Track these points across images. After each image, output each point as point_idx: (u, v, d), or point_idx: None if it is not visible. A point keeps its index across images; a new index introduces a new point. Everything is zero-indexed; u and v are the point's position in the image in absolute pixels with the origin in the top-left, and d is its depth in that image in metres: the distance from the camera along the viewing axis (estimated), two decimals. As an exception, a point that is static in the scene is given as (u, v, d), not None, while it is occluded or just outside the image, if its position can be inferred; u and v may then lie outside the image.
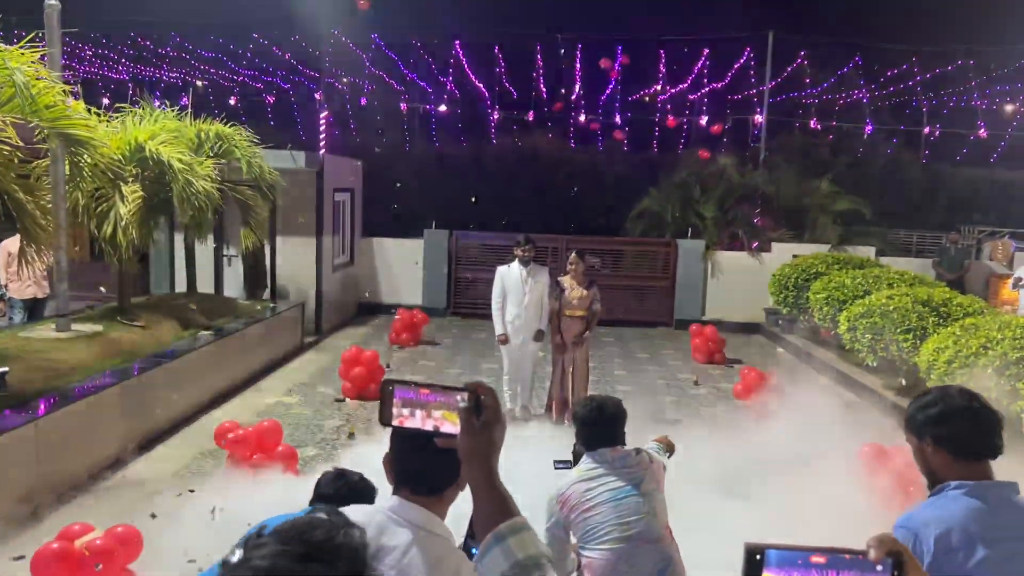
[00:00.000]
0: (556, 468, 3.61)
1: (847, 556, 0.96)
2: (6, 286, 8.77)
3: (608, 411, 3.27)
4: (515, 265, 7.77)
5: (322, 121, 15.32)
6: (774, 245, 14.47)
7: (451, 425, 1.31)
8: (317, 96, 20.57)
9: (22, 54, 5.53)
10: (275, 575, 0.87)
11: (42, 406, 5.42)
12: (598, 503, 3.09)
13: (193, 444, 6.74)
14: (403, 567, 1.62)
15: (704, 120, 22.05)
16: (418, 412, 1.33)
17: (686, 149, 20.61)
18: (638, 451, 3.27)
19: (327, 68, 21.59)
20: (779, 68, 19.91)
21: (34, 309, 8.84)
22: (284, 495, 4.76)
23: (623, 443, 3.29)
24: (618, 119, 23.00)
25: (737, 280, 13.93)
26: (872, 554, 0.98)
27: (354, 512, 1.73)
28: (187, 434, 7.09)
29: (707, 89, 22.64)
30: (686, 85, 22.88)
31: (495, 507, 1.25)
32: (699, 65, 22.23)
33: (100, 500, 5.13)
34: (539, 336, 7.79)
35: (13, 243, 8.40)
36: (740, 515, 5.11)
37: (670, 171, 17.19)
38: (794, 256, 13.11)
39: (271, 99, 23.33)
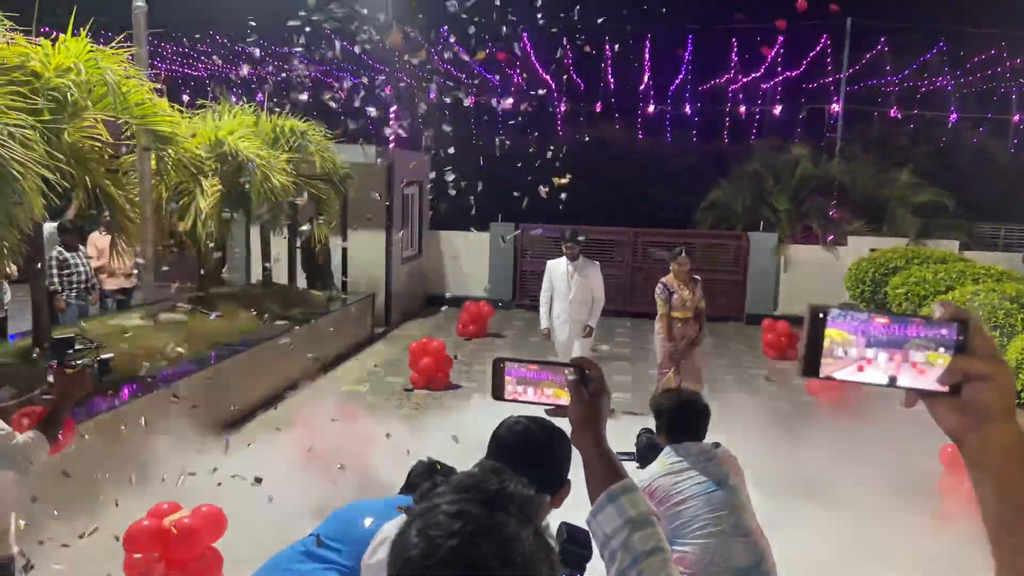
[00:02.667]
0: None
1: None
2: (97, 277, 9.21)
3: (698, 405, 3.25)
4: (563, 260, 7.72)
5: (391, 115, 15.55)
6: (850, 238, 14.02)
7: (560, 399, 1.40)
8: (387, 90, 20.87)
9: (113, 54, 5.78)
10: (464, 517, 0.95)
11: (126, 391, 5.70)
12: (687, 496, 3.07)
13: (268, 429, 6.95)
14: None
15: (777, 109, 21.47)
16: (529, 388, 1.41)
17: (758, 139, 20.14)
18: (717, 444, 3.24)
19: (396, 62, 21.86)
20: (857, 54, 19.24)
21: (121, 299, 9.26)
22: (363, 483, 4.90)
23: (704, 438, 3.26)
24: (688, 109, 22.62)
25: (811, 274, 13.54)
26: (937, 313, 0.92)
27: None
28: (264, 419, 7.32)
29: (781, 77, 22.06)
30: (759, 73, 22.37)
31: (606, 469, 1.35)
32: (773, 52, 21.68)
33: (185, 480, 5.34)
34: (588, 332, 7.69)
35: (99, 237, 8.82)
36: (818, 515, 4.99)
37: (741, 162, 16.84)
38: (871, 250, 12.69)
39: (343, 94, 23.80)
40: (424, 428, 6.82)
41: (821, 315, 0.95)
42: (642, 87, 23.14)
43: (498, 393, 1.43)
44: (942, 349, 0.91)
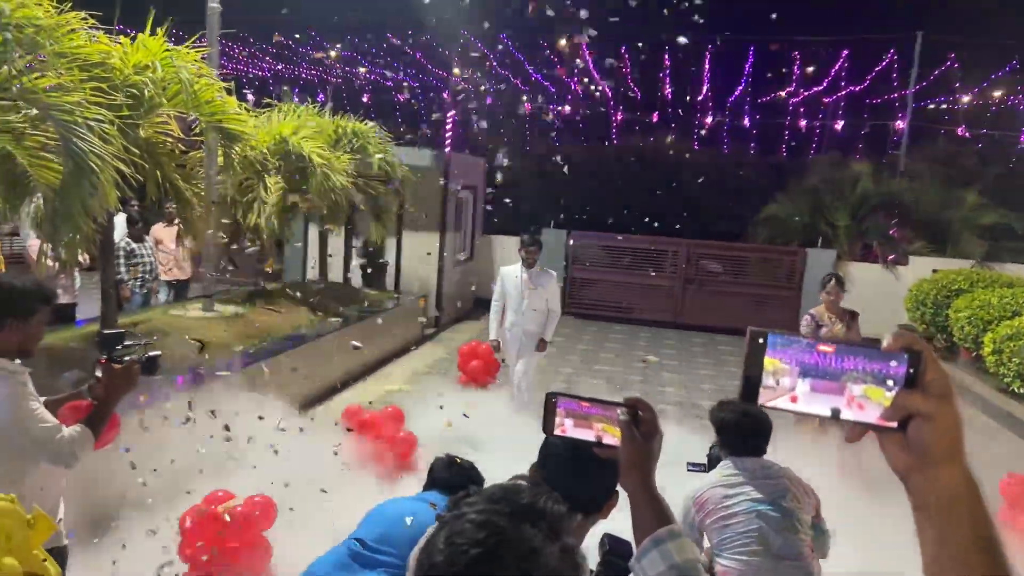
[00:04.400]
0: (689, 470, 3.56)
1: (858, 346, 0.88)
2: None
3: (760, 420, 3.17)
4: (517, 267, 7.13)
5: (448, 119, 15.70)
6: (912, 258, 13.66)
7: (610, 437, 1.39)
8: (445, 95, 21.09)
9: (187, 53, 5.98)
10: (490, 528, 0.96)
11: (184, 379, 5.88)
12: (738, 512, 3.02)
13: (322, 424, 7.07)
14: None
15: (839, 124, 21.04)
16: (580, 423, 1.40)
17: (818, 154, 19.76)
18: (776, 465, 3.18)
19: (455, 67, 22.09)
20: (925, 70, 18.74)
21: (178, 290, 9.52)
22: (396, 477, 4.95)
23: (764, 453, 3.21)
24: (746, 121, 22.33)
25: (869, 294, 13.18)
26: (885, 342, 0.86)
27: None
28: (314, 414, 7.45)
29: (845, 92, 21.62)
30: (822, 87, 21.95)
31: (653, 513, 1.33)
32: (837, 67, 21.26)
33: (239, 470, 5.47)
34: (541, 346, 7.23)
35: (160, 229, 9.10)
36: (868, 546, 4.84)
37: (799, 176, 16.55)
38: (934, 271, 12.33)
39: (401, 97, 24.14)
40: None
41: (760, 340, 0.91)
42: (700, 97, 22.93)
43: (548, 428, 1.42)
44: (890, 383, 0.85)
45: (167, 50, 5.79)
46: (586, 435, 1.40)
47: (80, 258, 7.04)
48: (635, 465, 1.35)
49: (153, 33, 5.78)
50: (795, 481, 3.12)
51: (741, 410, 3.17)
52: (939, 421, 0.84)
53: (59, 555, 2.87)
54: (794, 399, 0.89)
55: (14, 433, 2.61)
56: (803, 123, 21.64)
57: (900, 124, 18.47)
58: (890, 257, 13.85)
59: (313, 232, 11.17)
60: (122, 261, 8.13)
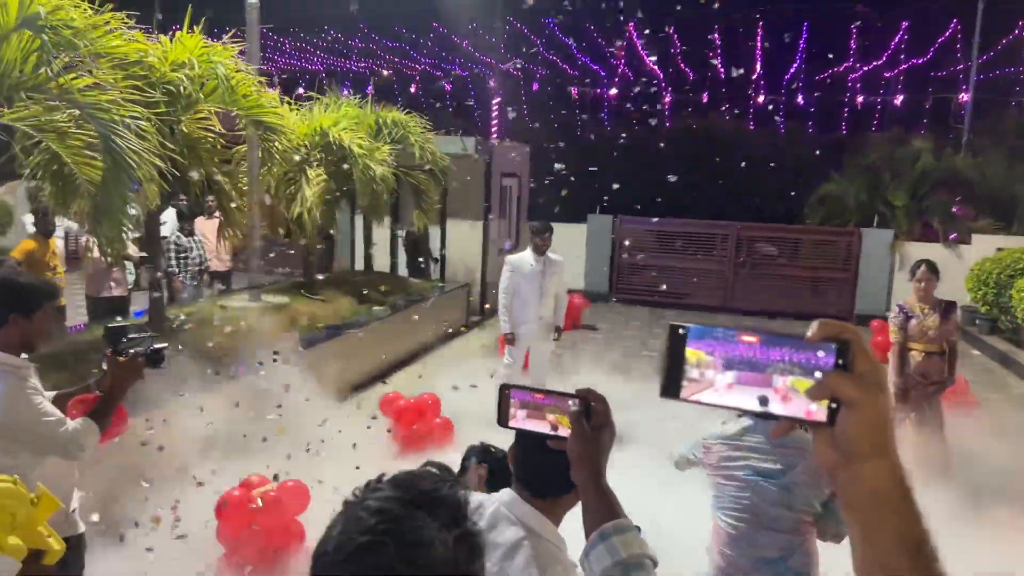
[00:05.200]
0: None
1: (785, 336, 0.85)
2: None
3: None
4: (527, 255, 6.89)
5: (494, 107, 15.69)
6: (974, 237, 13.10)
7: (564, 428, 1.38)
8: (490, 83, 21.07)
9: (224, 49, 6.10)
10: (382, 515, 0.95)
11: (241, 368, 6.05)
12: (736, 476, 2.97)
13: (364, 410, 7.18)
14: (504, 568, 1.62)
15: (899, 99, 20.26)
16: (533, 414, 1.40)
17: (877, 131, 19.10)
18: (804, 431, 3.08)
19: (500, 54, 22.04)
20: (990, 39, 17.87)
21: (222, 279, 9.70)
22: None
23: None
24: (801, 99, 21.69)
25: (928, 274, 12.73)
26: (809, 332, 0.82)
27: (478, 495, 1.77)
28: (358, 400, 7.58)
29: (905, 65, 20.80)
30: (881, 61, 21.15)
31: (601, 507, 1.31)
32: (897, 39, 20.46)
33: (273, 454, 5.60)
34: (558, 335, 7.10)
35: (201, 222, 9.32)
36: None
37: (857, 154, 16.03)
38: (998, 249, 11.81)
39: (448, 86, 24.21)
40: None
41: (681, 332, 0.88)
42: (754, 76, 22.36)
43: (503, 420, 1.42)
44: (818, 374, 0.81)
45: (204, 47, 5.92)
46: (539, 426, 1.39)
47: (137, 253, 7.33)
48: (585, 457, 1.33)
49: (191, 31, 5.91)
50: (808, 454, 3.02)
51: None
52: (866, 412, 0.79)
53: (76, 543, 2.96)
54: (718, 392, 0.87)
55: (17, 428, 2.63)
56: (861, 99, 20.91)
57: (964, 97, 17.68)
58: (951, 236, 13.31)
59: (359, 223, 11.32)
60: (172, 255, 8.38)
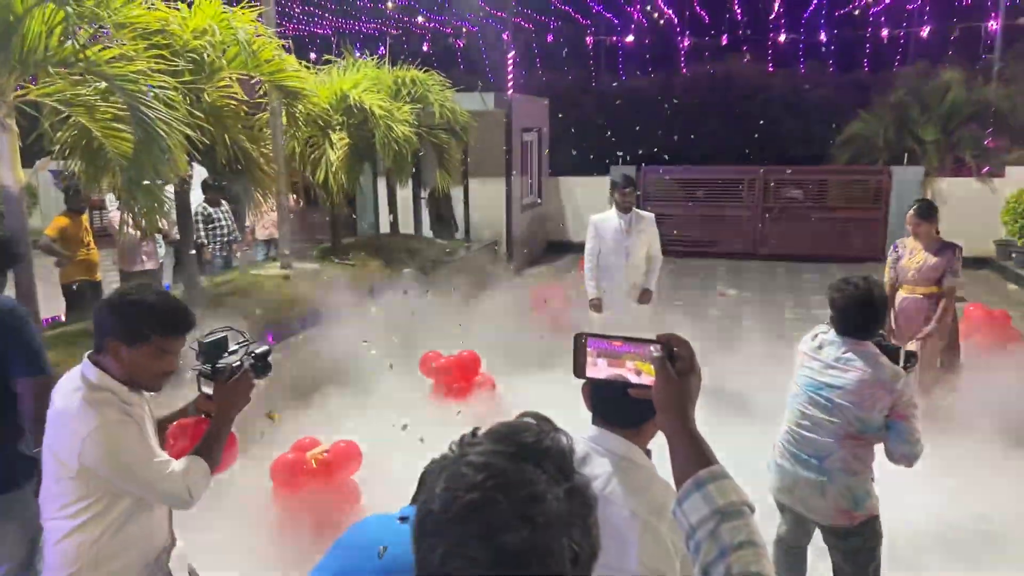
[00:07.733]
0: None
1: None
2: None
3: (868, 301, 3.11)
4: (611, 213, 6.38)
5: (509, 61, 15.43)
6: (1008, 169, 12.79)
7: (646, 376, 1.34)
8: (504, 36, 20.73)
9: (243, 14, 6.02)
10: (488, 470, 0.91)
11: (270, 337, 6.08)
12: (798, 381, 3.29)
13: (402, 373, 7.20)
14: (605, 496, 1.65)
15: (925, 31, 19.62)
16: (613, 363, 1.36)
17: (903, 66, 18.58)
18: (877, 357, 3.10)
19: (512, 7, 21.63)
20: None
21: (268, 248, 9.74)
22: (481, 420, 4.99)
23: (874, 335, 3.17)
24: (823, 36, 21.10)
25: (963, 209, 12.45)
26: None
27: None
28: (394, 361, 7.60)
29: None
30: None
31: (693, 455, 1.26)
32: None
33: (329, 416, 5.65)
34: (645, 297, 6.43)
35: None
36: (952, 488, 4.59)
37: (883, 91, 15.62)
38: (1034, 180, 11.54)
39: (460, 43, 23.83)
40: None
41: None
42: (772, 16, 21.75)
43: (580, 371, 1.38)
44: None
45: (223, 13, 5.84)
46: (619, 375, 1.36)
47: (162, 226, 7.34)
48: (672, 404, 1.28)
49: (209, -3, 5.82)
50: (871, 382, 3.05)
51: (851, 293, 3.12)
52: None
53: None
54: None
55: (113, 474, 2.13)
56: (885, 33, 20.26)
57: (993, 25, 17.09)
58: (985, 169, 13.01)
59: (382, 185, 11.27)
60: (201, 226, 8.39)
